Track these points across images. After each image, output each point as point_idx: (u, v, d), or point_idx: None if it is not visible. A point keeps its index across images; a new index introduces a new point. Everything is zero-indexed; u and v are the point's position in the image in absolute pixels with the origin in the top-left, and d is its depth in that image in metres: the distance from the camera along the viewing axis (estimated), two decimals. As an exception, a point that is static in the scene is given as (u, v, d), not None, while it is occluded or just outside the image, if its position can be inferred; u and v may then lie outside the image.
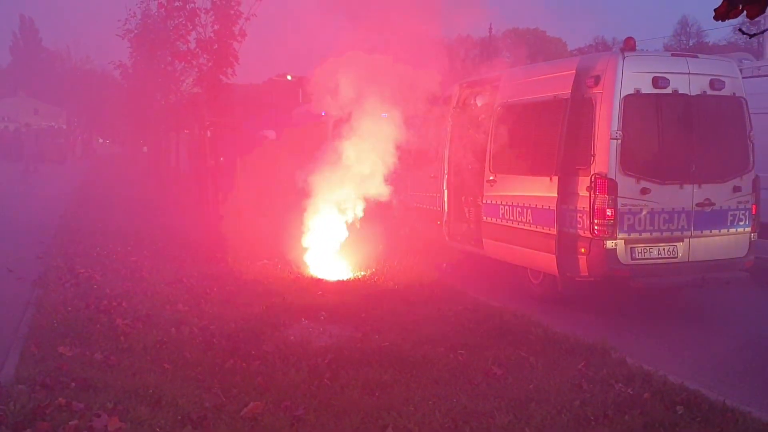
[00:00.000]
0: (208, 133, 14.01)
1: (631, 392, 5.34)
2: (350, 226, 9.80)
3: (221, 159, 16.02)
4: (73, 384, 5.11)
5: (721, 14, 1.95)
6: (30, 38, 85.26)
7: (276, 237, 10.26)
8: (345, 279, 9.24)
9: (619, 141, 7.57)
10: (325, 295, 8.09)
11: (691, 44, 59.24)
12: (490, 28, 32.97)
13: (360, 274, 9.47)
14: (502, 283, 9.47)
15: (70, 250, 10.54)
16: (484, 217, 9.51)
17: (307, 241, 9.78)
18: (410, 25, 9.21)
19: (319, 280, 8.99)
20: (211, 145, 13.68)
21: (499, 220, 9.17)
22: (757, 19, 2.12)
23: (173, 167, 25.13)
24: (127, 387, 5.11)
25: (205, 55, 11.82)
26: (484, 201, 9.51)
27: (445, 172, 10.49)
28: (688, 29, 63.61)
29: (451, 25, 9.49)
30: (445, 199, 10.55)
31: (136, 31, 19.54)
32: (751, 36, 2.11)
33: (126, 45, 20.88)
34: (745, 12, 1.91)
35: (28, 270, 9.15)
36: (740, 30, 2.28)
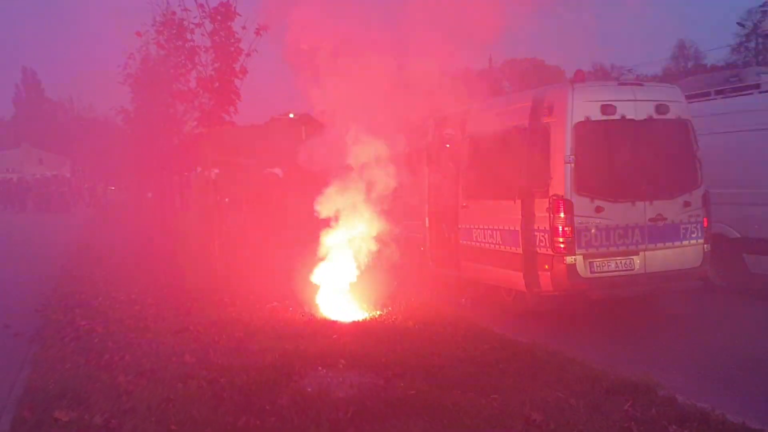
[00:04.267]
0: (213, 174, 13.67)
1: (688, 435, 4.84)
2: (361, 263, 9.36)
3: (226, 200, 15.64)
4: (69, 454, 4.61)
5: None
6: (32, 89, 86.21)
7: (285, 277, 9.81)
8: (360, 319, 8.75)
9: (573, 165, 8.24)
10: (341, 339, 7.59)
11: (689, 66, 59.32)
12: (490, 59, 32.99)
13: (376, 313, 8.99)
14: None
15: (70, 301, 10.06)
16: (461, 241, 10.19)
17: (317, 280, 9.32)
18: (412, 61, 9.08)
19: (334, 322, 8.49)
20: (216, 185, 13.32)
21: (473, 243, 9.88)
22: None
23: (178, 210, 24.75)
24: (129, 454, 4.61)
25: (206, 94, 11.50)
26: (460, 226, 10.22)
27: (426, 201, 11.21)
28: (685, 51, 63.77)
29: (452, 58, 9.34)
30: (427, 226, 11.25)
31: (135, 75, 19.36)
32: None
33: (127, 90, 20.73)
34: None
35: (27, 324, 8.67)
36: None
